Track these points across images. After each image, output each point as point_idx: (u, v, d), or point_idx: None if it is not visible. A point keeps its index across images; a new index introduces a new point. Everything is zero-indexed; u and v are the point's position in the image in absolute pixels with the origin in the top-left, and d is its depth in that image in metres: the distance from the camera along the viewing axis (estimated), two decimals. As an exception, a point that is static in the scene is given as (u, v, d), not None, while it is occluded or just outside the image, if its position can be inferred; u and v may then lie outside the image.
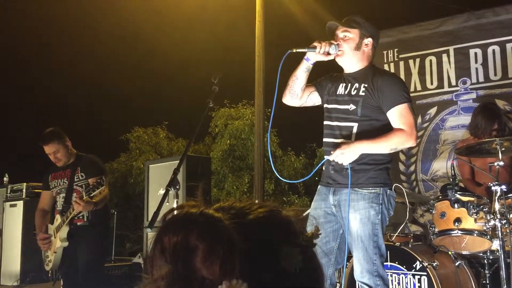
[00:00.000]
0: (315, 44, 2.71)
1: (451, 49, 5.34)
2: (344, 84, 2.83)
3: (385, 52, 5.66)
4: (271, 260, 0.73)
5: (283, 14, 12.58)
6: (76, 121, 21.65)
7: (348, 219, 2.64)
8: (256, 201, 0.84)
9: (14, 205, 7.07)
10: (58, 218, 4.01)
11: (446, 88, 5.34)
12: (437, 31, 5.46)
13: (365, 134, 2.67)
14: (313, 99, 2.95)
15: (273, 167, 3.02)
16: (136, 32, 23.84)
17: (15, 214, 7.00)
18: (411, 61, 5.55)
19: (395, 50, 5.64)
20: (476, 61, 5.20)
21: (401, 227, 3.69)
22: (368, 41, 2.80)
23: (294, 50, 2.72)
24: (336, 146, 2.68)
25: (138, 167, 16.75)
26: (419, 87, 5.46)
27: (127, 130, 18.18)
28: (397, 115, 2.66)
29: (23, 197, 7.00)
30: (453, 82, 5.30)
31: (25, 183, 7.08)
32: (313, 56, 2.76)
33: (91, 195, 3.74)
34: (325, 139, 2.85)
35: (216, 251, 0.67)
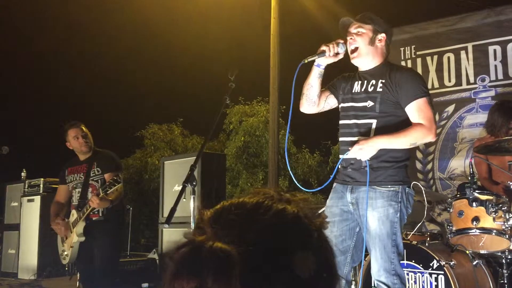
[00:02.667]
0: (323, 48, 2.72)
1: (469, 46, 5.27)
2: (359, 82, 2.81)
3: (402, 49, 5.60)
4: (286, 270, 0.71)
5: (298, 11, 12.53)
6: (92, 117, 21.86)
7: (366, 217, 2.63)
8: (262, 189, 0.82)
9: (32, 200, 7.15)
10: (74, 213, 4.05)
11: (464, 86, 5.27)
12: (455, 27, 5.38)
13: (384, 130, 2.65)
14: (330, 103, 2.96)
15: (289, 170, 3.01)
16: (152, 29, 23.99)
17: (33, 209, 7.08)
18: (428, 58, 5.49)
19: (413, 47, 5.57)
20: (495, 58, 5.12)
21: (418, 226, 3.66)
22: (382, 36, 2.79)
23: (306, 61, 2.74)
24: (354, 144, 2.65)
25: (153, 163, 16.88)
26: (436, 85, 5.40)
27: (142, 127, 18.36)
28: (416, 109, 2.64)
29: (41, 192, 7.08)
30: (472, 80, 5.23)
31: (42, 178, 7.17)
32: (323, 60, 2.78)
33: (107, 192, 3.76)
34: (341, 138, 2.83)
35: (231, 286, 0.67)
